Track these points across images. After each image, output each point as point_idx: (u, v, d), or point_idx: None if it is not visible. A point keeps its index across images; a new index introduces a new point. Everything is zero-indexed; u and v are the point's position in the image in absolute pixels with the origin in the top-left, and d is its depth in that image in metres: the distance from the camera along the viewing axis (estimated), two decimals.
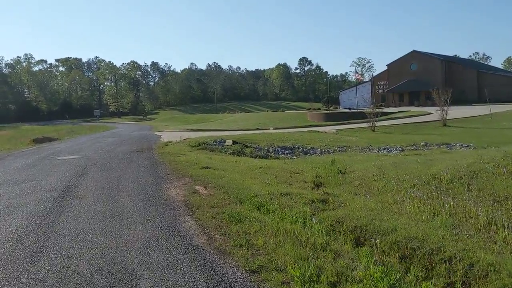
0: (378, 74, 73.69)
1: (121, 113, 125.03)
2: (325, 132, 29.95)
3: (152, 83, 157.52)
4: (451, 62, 68.67)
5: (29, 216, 6.65)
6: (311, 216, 6.20)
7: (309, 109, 77.51)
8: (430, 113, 45.93)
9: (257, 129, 38.37)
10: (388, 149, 21.21)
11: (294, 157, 20.02)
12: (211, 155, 15.85)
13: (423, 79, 66.18)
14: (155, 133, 35.43)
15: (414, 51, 68.96)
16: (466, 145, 21.22)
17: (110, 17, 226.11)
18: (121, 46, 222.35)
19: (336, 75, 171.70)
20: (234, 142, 20.59)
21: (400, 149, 20.97)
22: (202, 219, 6.08)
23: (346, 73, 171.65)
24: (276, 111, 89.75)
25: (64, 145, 24.76)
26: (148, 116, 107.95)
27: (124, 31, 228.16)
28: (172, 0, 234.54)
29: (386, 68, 73.29)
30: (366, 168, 10.86)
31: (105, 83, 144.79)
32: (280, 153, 21.20)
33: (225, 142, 20.63)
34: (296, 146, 22.61)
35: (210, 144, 19.37)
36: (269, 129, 38.01)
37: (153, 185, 9.11)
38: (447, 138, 24.69)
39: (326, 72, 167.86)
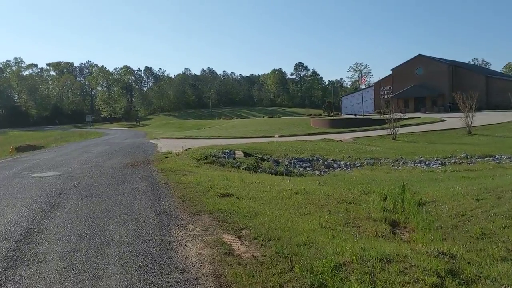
0: (381, 79, 71.06)
1: (114, 118, 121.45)
2: (340, 140, 26.91)
3: (145, 88, 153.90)
4: (458, 67, 66.18)
5: None
6: None
7: (309, 115, 74.62)
8: (444, 120, 43.34)
9: (261, 136, 35.32)
10: (425, 162, 18.23)
11: (317, 172, 16.98)
12: (224, 172, 12.73)
13: (429, 84, 63.62)
14: (150, 140, 32.23)
15: (420, 55, 66.40)
16: None
17: (103, 20, 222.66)
18: (113, 51, 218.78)
19: (332, 81, 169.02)
20: (246, 154, 17.50)
21: (439, 162, 18.01)
22: None
23: (341, 78, 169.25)
24: (272, 117, 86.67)
25: (47, 155, 21.52)
26: (141, 122, 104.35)
27: (117, 35, 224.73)
28: (166, 4, 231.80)
29: (389, 73, 70.80)
30: (453, 197, 7.81)
31: (98, 88, 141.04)
32: (297, 166, 18.16)
33: (234, 153, 17.52)
34: (315, 158, 19.57)
35: (219, 156, 16.22)
36: (274, 136, 34.99)
37: (157, 231, 5.98)
38: (483, 149, 21.74)
39: (322, 78, 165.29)
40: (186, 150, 19.21)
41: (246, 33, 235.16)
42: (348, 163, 18.62)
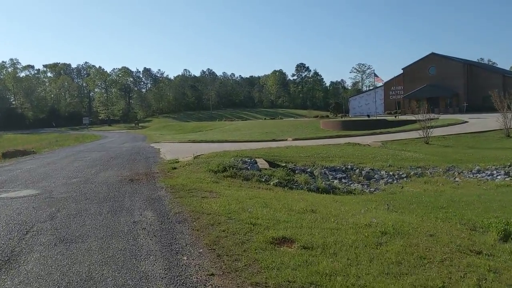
0: (394, 78, 68.02)
1: (112, 120, 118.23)
2: (367, 144, 23.80)
3: (144, 90, 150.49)
4: (473, 66, 63.20)
5: None
6: None
7: (316, 116, 71.48)
8: (466, 121, 40.22)
9: (273, 140, 32.24)
10: (484, 172, 15.10)
11: (358, 185, 13.88)
12: (253, 191, 9.60)
13: (443, 84, 60.61)
14: (151, 145, 29.07)
15: (432, 54, 63.38)
16: None
17: (101, 21, 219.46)
18: (112, 52, 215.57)
19: (333, 82, 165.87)
20: (271, 164, 14.37)
21: (503, 172, 14.90)
22: None
23: (342, 79, 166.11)
24: (274, 118, 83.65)
25: (32, 164, 18.33)
26: (140, 124, 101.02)
27: (115, 36, 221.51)
28: (165, 4, 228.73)
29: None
30: None
31: (95, 89, 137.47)
32: (330, 177, 15.03)
33: (256, 163, 14.39)
34: (349, 167, 16.47)
35: (240, 167, 13.03)
36: (287, 140, 31.90)
37: None
38: None
39: (323, 79, 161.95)
40: (195, 158, 16.11)
41: (246, 34, 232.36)
42: (390, 173, 15.53)
